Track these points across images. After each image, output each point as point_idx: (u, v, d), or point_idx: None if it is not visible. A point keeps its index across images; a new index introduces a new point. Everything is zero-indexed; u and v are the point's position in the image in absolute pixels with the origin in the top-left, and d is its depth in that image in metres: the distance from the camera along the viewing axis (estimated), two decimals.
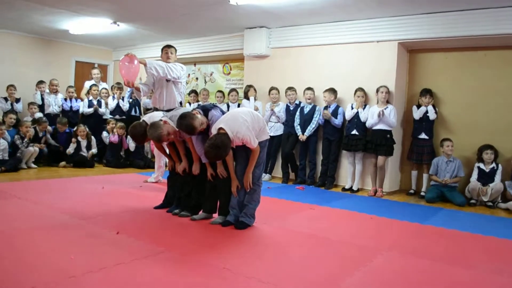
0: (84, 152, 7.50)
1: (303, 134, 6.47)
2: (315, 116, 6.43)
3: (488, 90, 5.83)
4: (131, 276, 2.56)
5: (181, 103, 5.42)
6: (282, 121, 6.83)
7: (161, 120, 3.86)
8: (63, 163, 7.30)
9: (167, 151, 4.37)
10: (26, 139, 6.89)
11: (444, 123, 6.14)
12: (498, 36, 5.31)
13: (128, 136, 7.45)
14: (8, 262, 2.67)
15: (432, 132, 6.03)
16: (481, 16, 5.33)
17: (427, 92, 5.97)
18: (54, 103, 8.04)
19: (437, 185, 5.74)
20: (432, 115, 5.90)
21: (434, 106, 5.95)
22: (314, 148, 6.58)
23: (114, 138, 7.68)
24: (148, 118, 4.15)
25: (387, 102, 5.95)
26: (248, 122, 3.53)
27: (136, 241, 3.24)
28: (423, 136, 6.00)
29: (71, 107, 8.16)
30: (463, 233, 4.01)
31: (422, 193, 5.94)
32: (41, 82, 8.01)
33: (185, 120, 3.53)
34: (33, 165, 7.02)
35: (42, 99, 7.96)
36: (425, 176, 6.01)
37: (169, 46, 5.47)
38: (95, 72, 8.64)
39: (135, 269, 2.67)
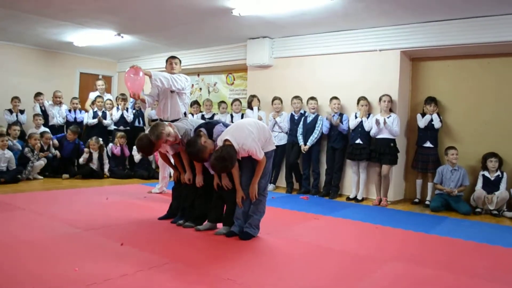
0: (94, 164, 7.50)
1: (305, 144, 6.48)
2: (317, 125, 6.44)
3: (492, 98, 5.82)
4: (136, 287, 2.56)
5: (185, 113, 5.44)
6: (284, 131, 6.83)
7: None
8: (66, 175, 7.31)
9: (172, 161, 4.38)
10: (36, 152, 6.95)
11: (448, 131, 6.13)
12: (500, 43, 5.33)
13: (133, 147, 7.46)
14: (12, 273, 2.67)
15: (437, 141, 6.02)
16: (483, 24, 5.35)
17: (432, 100, 5.97)
18: (58, 115, 8.09)
19: (442, 194, 5.71)
20: (437, 124, 5.89)
21: (438, 115, 5.94)
22: (317, 157, 6.58)
23: (117, 151, 7.70)
24: None
25: (390, 110, 5.95)
26: (254, 133, 3.54)
27: (140, 252, 3.24)
28: (428, 144, 5.98)
29: (75, 118, 8.20)
30: (468, 242, 3.99)
31: (427, 202, 5.90)
32: (39, 94, 8.05)
33: (194, 149, 3.59)
34: (38, 176, 7.06)
35: (43, 110, 7.98)
36: (429, 185, 5.98)
37: (173, 57, 5.50)
38: (100, 83, 8.69)
39: (140, 280, 2.66)
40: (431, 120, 5.92)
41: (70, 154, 7.64)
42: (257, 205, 3.74)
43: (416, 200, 6.15)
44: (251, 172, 3.70)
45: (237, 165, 3.67)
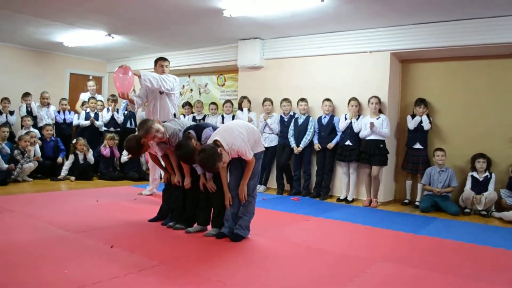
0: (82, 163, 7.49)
1: (297, 145, 6.49)
2: (309, 127, 6.46)
3: (481, 99, 5.89)
4: None
5: (175, 115, 5.43)
6: (275, 132, 6.85)
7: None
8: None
9: (163, 163, 4.37)
10: (26, 155, 6.89)
11: (438, 132, 6.19)
12: (490, 45, 5.39)
13: (123, 149, 7.43)
14: (0, 276, 2.65)
15: (427, 142, 6.07)
16: (473, 26, 5.41)
17: (421, 102, 6.02)
18: (47, 116, 8.01)
19: (431, 194, 5.76)
20: (426, 125, 5.94)
21: (428, 116, 5.99)
22: (309, 159, 6.60)
23: (106, 152, 7.67)
24: None
25: (380, 112, 5.99)
26: (244, 134, 3.55)
27: (130, 254, 3.23)
28: (417, 146, 6.04)
29: (64, 119, 8.14)
30: (457, 242, 4.02)
31: (417, 203, 5.95)
32: (26, 94, 7.96)
33: (183, 151, 3.63)
34: (28, 179, 7.00)
35: (28, 111, 7.91)
36: (419, 186, 6.04)
37: (164, 59, 5.48)
38: (91, 84, 8.64)
39: (130, 283, 2.65)
40: (421, 121, 5.97)
41: (52, 153, 7.58)
42: (247, 207, 3.74)
43: (406, 201, 6.20)
44: (240, 174, 3.71)
45: (225, 166, 3.67)
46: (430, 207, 5.63)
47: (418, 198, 6.02)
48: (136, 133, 4.02)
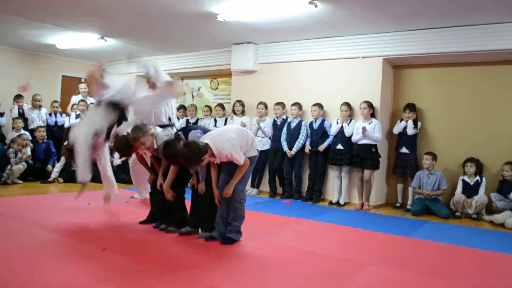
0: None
1: (290, 149, 6.51)
2: (302, 131, 6.48)
3: (473, 105, 5.94)
4: None
5: (170, 119, 5.33)
6: (268, 136, 6.87)
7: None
8: (52, 177, 7.26)
9: (150, 164, 4.37)
10: (20, 155, 6.85)
11: (429, 137, 6.23)
12: (482, 52, 5.45)
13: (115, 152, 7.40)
14: None
15: (414, 146, 6.11)
16: (465, 33, 5.47)
17: (408, 107, 6.08)
18: (38, 118, 7.96)
19: (422, 198, 5.80)
20: (410, 130, 5.99)
21: (415, 121, 6.04)
22: (300, 162, 6.61)
23: None
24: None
25: (372, 116, 6.03)
26: (235, 139, 3.56)
27: (122, 257, 3.21)
28: (404, 150, 6.10)
29: (56, 122, 8.10)
30: (448, 245, 4.05)
31: (408, 206, 5.99)
32: (19, 96, 7.91)
33: (170, 152, 3.65)
34: (18, 181, 6.94)
35: (20, 113, 7.85)
36: (410, 189, 6.07)
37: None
38: (82, 86, 8.59)
39: (121, 286, 2.64)
40: (406, 126, 6.02)
41: (42, 155, 7.53)
42: (235, 212, 3.74)
43: (398, 204, 6.23)
44: (230, 175, 3.71)
45: (216, 166, 3.71)
46: (421, 210, 5.67)
47: (409, 202, 6.06)
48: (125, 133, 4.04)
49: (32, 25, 6.68)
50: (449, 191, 5.81)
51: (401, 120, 6.15)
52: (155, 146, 3.89)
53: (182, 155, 3.42)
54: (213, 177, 3.75)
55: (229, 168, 3.74)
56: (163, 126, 4.33)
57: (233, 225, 3.75)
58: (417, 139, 6.15)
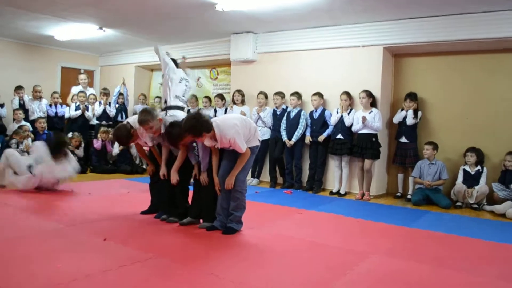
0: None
1: (289, 139, 6.49)
2: (301, 120, 6.46)
3: (474, 94, 5.91)
4: (118, 283, 2.54)
5: (166, 101, 5.08)
6: (268, 125, 6.85)
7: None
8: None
9: (149, 154, 4.36)
10: (22, 147, 6.84)
11: (430, 126, 6.21)
12: (483, 40, 5.41)
13: (115, 141, 7.40)
14: None
15: (414, 136, 6.09)
16: (466, 21, 5.42)
17: (408, 96, 6.05)
18: (38, 109, 7.94)
19: (422, 188, 5.80)
20: (409, 120, 5.96)
21: (415, 111, 6.01)
22: (300, 152, 6.60)
23: (97, 145, 7.64)
24: (133, 120, 4.13)
25: (372, 106, 6.01)
26: (238, 126, 3.58)
27: (123, 247, 3.22)
28: (403, 139, 6.08)
29: (56, 113, 8.08)
30: (449, 235, 4.06)
31: (409, 196, 5.99)
32: (19, 87, 7.88)
33: (174, 130, 3.67)
34: None
35: (21, 105, 7.84)
36: (410, 179, 6.06)
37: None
38: (82, 77, 8.60)
39: (123, 276, 2.65)
40: (406, 116, 6.01)
41: None
42: (236, 202, 3.74)
43: (398, 194, 6.23)
44: (231, 165, 3.70)
45: (217, 153, 3.74)
46: (422, 200, 5.67)
47: (410, 192, 6.06)
48: (125, 122, 4.05)
49: (31, 16, 6.63)
50: (450, 181, 5.81)
51: (402, 109, 6.12)
52: (162, 131, 3.87)
53: (189, 125, 3.44)
54: (214, 165, 3.76)
55: (230, 158, 3.74)
56: (175, 108, 4.20)
57: (234, 215, 3.75)
58: (418, 128, 6.13)
